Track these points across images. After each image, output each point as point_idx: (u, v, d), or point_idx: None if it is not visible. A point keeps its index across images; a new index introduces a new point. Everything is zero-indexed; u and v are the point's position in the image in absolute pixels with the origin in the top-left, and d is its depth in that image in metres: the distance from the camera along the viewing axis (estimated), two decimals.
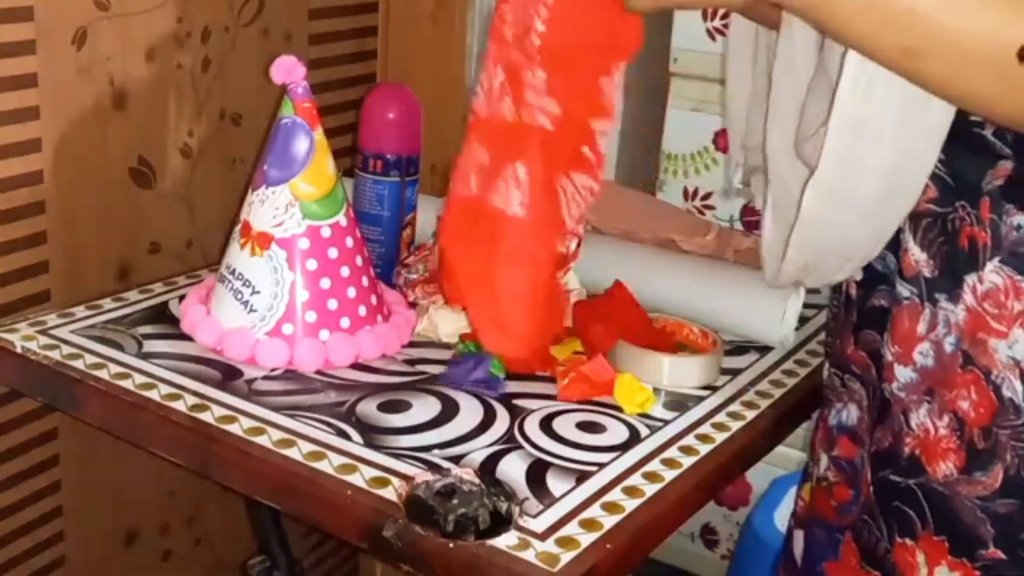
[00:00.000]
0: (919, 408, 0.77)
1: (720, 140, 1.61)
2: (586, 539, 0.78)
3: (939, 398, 0.75)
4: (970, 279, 0.73)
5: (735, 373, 1.04)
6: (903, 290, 0.78)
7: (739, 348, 1.09)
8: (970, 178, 0.73)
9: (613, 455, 0.89)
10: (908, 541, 0.78)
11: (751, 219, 1.61)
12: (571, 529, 0.79)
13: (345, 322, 1.02)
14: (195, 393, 0.94)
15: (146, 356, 1.00)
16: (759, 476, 1.63)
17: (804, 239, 0.78)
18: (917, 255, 0.77)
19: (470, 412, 0.94)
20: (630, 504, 0.82)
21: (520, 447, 0.89)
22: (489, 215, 0.86)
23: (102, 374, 0.96)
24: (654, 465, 0.88)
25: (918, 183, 0.74)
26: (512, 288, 0.89)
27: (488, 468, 0.86)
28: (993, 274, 0.72)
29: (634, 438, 0.92)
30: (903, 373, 0.78)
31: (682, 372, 1.01)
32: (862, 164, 0.73)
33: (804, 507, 0.95)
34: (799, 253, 0.80)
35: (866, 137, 0.72)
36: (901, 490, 0.78)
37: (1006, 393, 0.72)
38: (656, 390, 0.99)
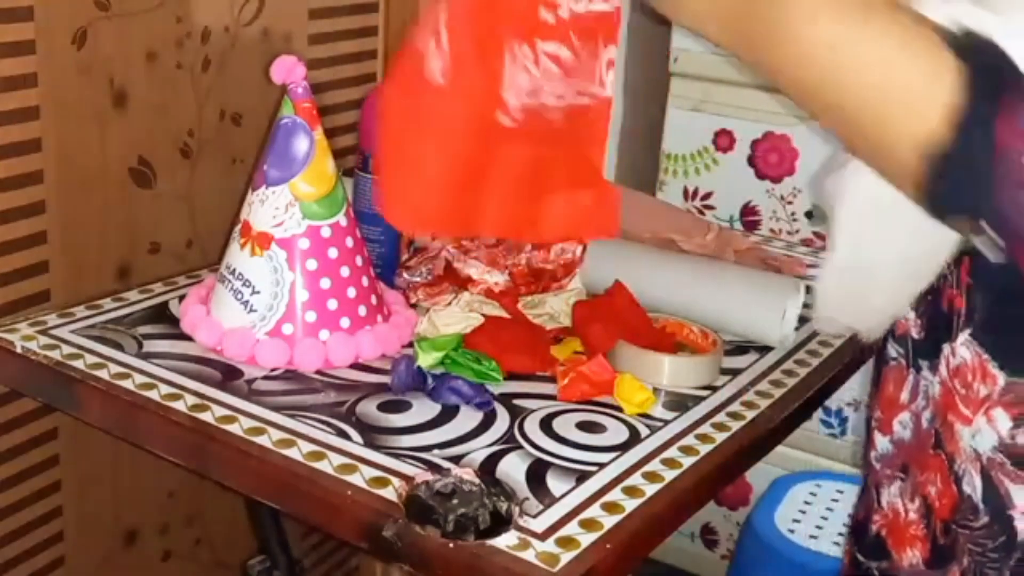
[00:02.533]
0: (891, 484, 0.69)
1: (719, 140, 1.61)
2: (586, 539, 0.78)
3: (912, 477, 0.67)
4: (946, 349, 0.64)
5: (735, 373, 1.04)
6: (891, 350, 0.70)
7: (739, 348, 1.09)
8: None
9: (613, 455, 0.89)
10: None
11: (751, 219, 1.61)
12: (571, 529, 0.79)
13: (345, 322, 1.02)
14: (195, 393, 0.94)
15: (146, 356, 1.00)
16: (759, 476, 1.63)
17: (825, 316, 0.69)
18: (908, 312, 0.68)
19: (470, 412, 0.94)
20: (630, 504, 0.82)
21: (520, 447, 0.89)
22: (419, 76, 0.79)
23: (102, 374, 0.96)
24: (654, 465, 0.88)
25: (935, 266, 0.64)
26: (423, 158, 0.78)
27: (488, 468, 0.86)
28: (963, 347, 0.63)
29: (634, 438, 0.92)
30: (881, 442, 0.71)
31: (682, 372, 1.01)
32: (879, 248, 0.64)
33: None
34: (825, 325, 0.70)
35: (883, 218, 0.61)
36: (864, 573, 0.72)
37: (966, 488, 0.63)
38: (656, 390, 0.99)
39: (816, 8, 0.55)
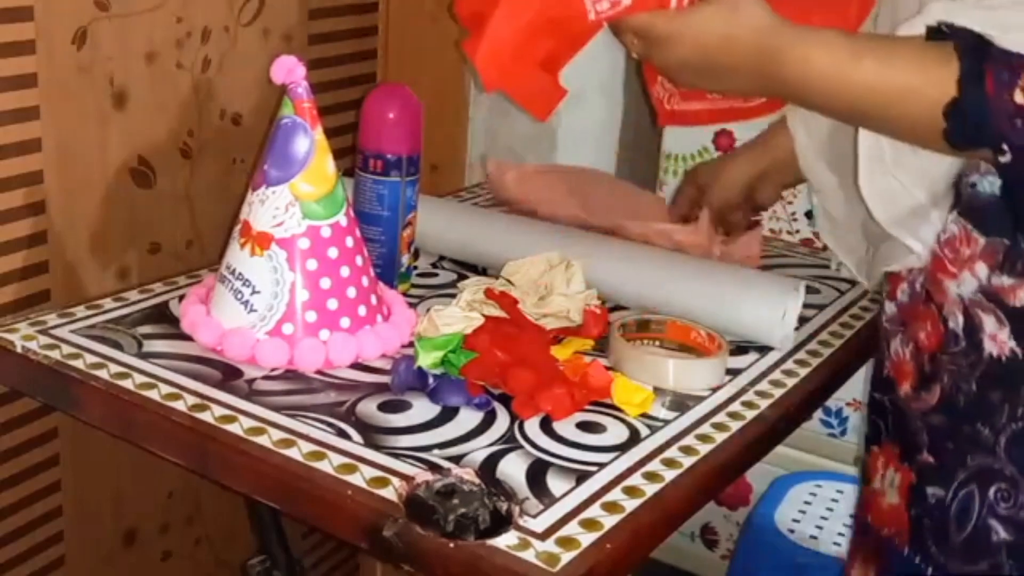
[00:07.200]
0: (895, 337, 0.91)
1: (720, 140, 1.61)
2: (586, 539, 0.78)
3: (907, 329, 0.89)
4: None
5: (735, 373, 1.04)
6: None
7: (739, 348, 1.09)
8: None
9: (613, 455, 0.89)
10: (875, 448, 0.93)
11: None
12: (571, 529, 0.79)
13: (345, 322, 1.02)
14: (195, 393, 0.94)
15: (146, 356, 1.00)
16: (759, 476, 1.63)
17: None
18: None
19: (470, 412, 0.94)
20: (630, 504, 0.82)
21: (520, 447, 0.89)
22: None
23: (102, 374, 0.96)
24: (654, 465, 0.88)
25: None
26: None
27: (488, 468, 0.86)
28: (953, 224, 0.84)
29: (634, 438, 0.92)
30: (888, 307, 0.93)
31: (687, 374, 1.01)
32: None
33: None
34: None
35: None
36: (877, 403, 0.94)
37: (951, 325, 0.84)
38: (660, 390, 0.98)
39: (826, 68, 0.82)
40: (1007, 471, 0.80)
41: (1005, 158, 0.76)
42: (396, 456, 0.86)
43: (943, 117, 0.76)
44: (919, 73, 0.77)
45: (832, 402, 1.61)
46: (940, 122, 0.76)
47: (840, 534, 1.49)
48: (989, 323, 0.81)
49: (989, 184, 0.82)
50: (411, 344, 1.03)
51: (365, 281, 1.04)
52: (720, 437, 0.93)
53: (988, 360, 0.81)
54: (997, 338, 0.81)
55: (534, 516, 0.80)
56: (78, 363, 0.98)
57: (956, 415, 0.84)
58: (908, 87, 0.78)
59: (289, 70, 0.99)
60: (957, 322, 0.83)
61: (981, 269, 0.82)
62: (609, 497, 0.83)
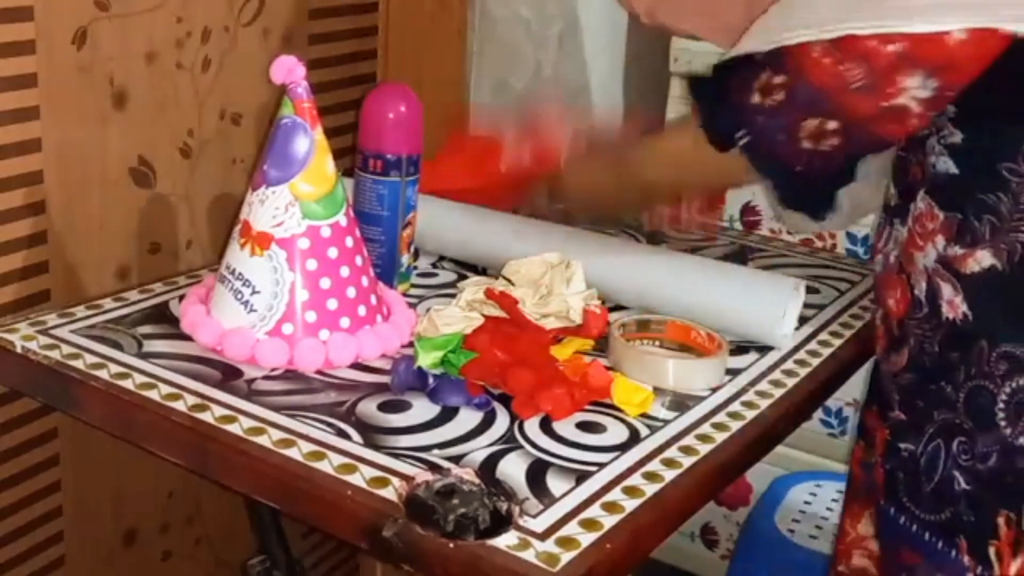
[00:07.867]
0: (873, 304, 1.00)
1: None
2: (586, 539, 0.78)
3: (878, 296, 0.98)
4: (912, 206, 0.93)
5: (735, 373, 1.04)
6: (880, 217, 1.01)
7: (739, 348, 1.09)
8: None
9: (613, 455, 0.89)
10: (875, 408, 0.99)
11: (751, 219, 1.61)
12: (571, 529, 0.79)
13: (345, 322, 1.02)
14: (195, 393, 0.94)
15: (146, 356, 1.00)
16: (759, 476, 1.63)
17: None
18: (892, 190, 0.98)
19: (470, 412, 0.94)
20: (630, 504, 0.82)
21: (520, 447, 0.89)
22: None
23: (102, 374, 0.96)
24: (654, 465, 0.88)
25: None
26: None
27: (488, 468, 0.86)
28: (921, 202, 0.92)
29: (634, 438, 0.92)
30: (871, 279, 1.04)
31: (687, 374, 1.01)
32: None
33: None
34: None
35: None
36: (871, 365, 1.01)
37: (917, 293, 0.91)
38: (660, 390, 0.98)
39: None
40: (966, 425, 0.87)
41: (744, 142, 0.93)
42: (396, 456, 0.86)
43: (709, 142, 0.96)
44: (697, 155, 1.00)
45: (832, 402, 1.61)
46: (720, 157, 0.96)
47: None
48: (947, 290, 0.89)
49: (944, 164, 0.89)
50: (411, 344, 1.03)
51: (365, 281, 1.04)
52: (720, 437, 0.93)
53: (946, 323, 0.89)
54: (953, 303, 0.88)
55: (534, 516, 0.80)
56: (78, 363, 0.98)
57: (923, 374, 0.91)
58: (698, 160, 1.01)
59: (289, 70, 1.00)
60: (921, 289, 0.91)
61: (940, 241, 0.89)
62: (609, 497, 0.83)
